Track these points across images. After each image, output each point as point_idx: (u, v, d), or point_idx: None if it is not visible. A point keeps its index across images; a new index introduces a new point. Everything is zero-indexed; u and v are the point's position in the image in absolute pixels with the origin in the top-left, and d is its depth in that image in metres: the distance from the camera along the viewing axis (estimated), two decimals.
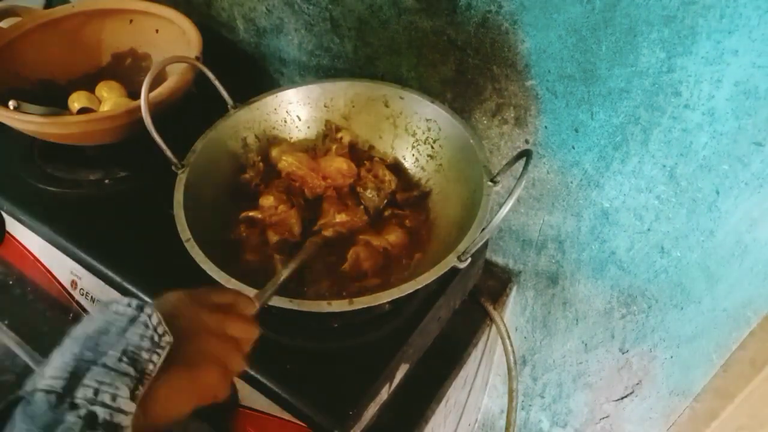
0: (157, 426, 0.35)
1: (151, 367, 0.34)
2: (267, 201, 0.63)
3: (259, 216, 0.63)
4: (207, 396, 0.38)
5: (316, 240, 0.61)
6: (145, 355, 0.34)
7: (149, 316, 0.35)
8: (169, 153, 0.59)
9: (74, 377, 0.31)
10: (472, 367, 0.79)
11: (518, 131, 0.67)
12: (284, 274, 0.51)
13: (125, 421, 0.32)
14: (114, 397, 0.31)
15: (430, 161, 0.68)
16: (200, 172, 0.62)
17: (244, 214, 0.63)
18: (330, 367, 0.56)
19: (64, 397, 0.31)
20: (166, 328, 0.36)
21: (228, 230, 0.62)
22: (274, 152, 0.69)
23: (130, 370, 0.33)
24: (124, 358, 0.33)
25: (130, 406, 0.32)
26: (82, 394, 0.31)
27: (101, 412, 0.31)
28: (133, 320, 0.35)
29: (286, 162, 0.67)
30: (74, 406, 0.30)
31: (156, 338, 0.35)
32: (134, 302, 0.36)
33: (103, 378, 0.32)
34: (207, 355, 0.39)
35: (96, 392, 0.31)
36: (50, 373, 0.32)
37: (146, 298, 0.60)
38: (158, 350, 0.35)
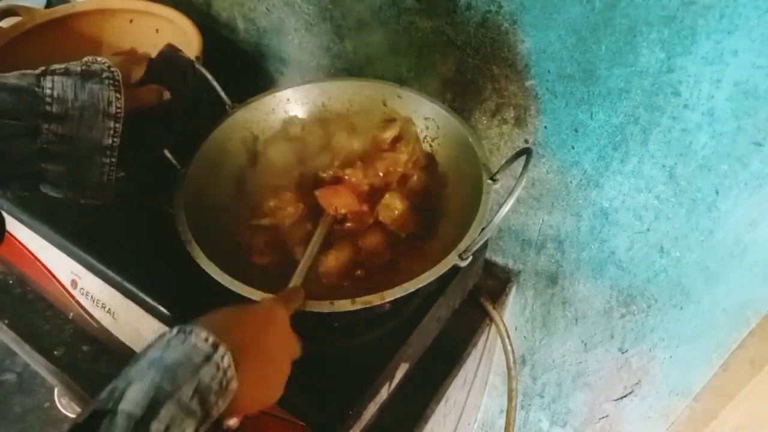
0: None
1: (215, 411, 0.36)
2: (273, 203, 0.62)
3: (272, 223, 0.62)
4: (273, 395, 0.43)
5: (327, 217, 0.60)
6: (212, 398, 0.35)
7: (222, 358, 0.37)
8: (168, 153, 0.59)
9: (151, 407, 0.33)
10: (471, 367, 0.79)
11: (518, 131, 0.67)
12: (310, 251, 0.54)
13: None
14: None
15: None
16: (200, 172, 0.62)
17: (254, 223, 0.62)
18: (330, 367, 0.56)
19: (140, 425, 0.32)
20: (234, 373, 0.37)
21: (231, 231, 0.62)
22: (271, 151, 0.69)
23: (198, 411, 0.34)
24: (196, 397, 0.35)
25: None
26: (156, 428, 0.32)
27: None
28: (208, 358, 0.36)
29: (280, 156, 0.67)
30: None
31: (225, 383, 0.36)
32: (211, 338, 0.37)
33: (176, 414, 0.33)
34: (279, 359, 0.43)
35: (167, 429, 0.33)
36: (132, 396, 0.33)
37: (162, 310, 0.61)
38: (224, 395, 0.36)
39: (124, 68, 0.52)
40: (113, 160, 0.50)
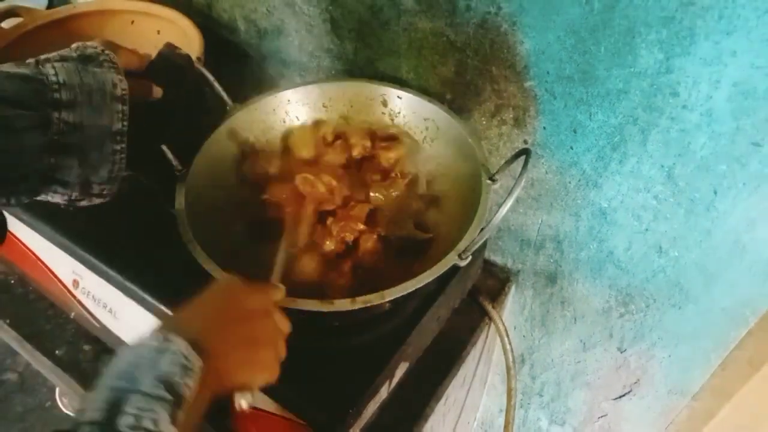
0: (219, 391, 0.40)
1: (187, 391, 0.35)
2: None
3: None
4: (264, 372, 0.43)
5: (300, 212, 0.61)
6: (178, 380, 0.35)
7: (177, 346, 0.36)
8: (169, 154, 0.59)
9: (114, 407, 0.32)
10: (471, 366, 0.80)
11: (517, 132, 0.68)
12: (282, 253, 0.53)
13: None
14: (155, 422, 0.32)
15: (429, 160, 0.69)
16: (201, 172, 0.62)
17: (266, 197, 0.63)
18: (330, 366, 0.57)
19: (106, 426, 0.31)
20: (194, 352, 0.37)
21: (231, 231, 0.62)
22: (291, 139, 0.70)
23: (167, 395, 0.34)
24: (161, 384, 0.34)
25: (171, 430, 0.33)
26: (124, 422, 0.32)
27: None
28: (161, 351, 0.36)
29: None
30: None
31: (187, 364, 0.36)
32: (161, 335, 0.37)
33: (142, 404, 0.33)
34: (261, 338, 0.43)
35: (137, 419, 0.32)
36: (91, 407, 0.33)
37: (163, 309, 0.61)
38: (190, 374, 0.36)
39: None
40: (123, 146, 0.49)
